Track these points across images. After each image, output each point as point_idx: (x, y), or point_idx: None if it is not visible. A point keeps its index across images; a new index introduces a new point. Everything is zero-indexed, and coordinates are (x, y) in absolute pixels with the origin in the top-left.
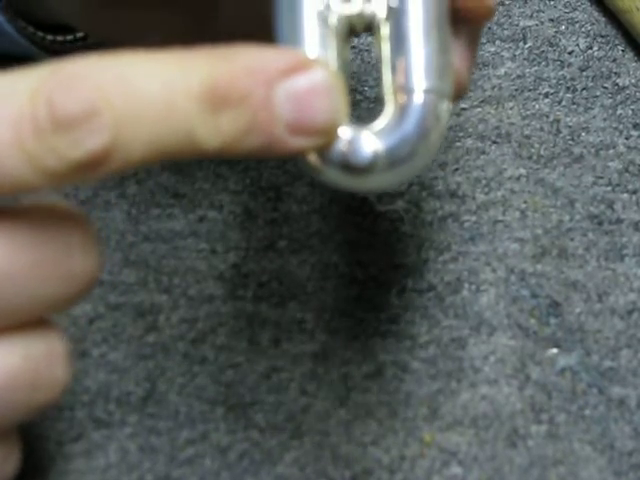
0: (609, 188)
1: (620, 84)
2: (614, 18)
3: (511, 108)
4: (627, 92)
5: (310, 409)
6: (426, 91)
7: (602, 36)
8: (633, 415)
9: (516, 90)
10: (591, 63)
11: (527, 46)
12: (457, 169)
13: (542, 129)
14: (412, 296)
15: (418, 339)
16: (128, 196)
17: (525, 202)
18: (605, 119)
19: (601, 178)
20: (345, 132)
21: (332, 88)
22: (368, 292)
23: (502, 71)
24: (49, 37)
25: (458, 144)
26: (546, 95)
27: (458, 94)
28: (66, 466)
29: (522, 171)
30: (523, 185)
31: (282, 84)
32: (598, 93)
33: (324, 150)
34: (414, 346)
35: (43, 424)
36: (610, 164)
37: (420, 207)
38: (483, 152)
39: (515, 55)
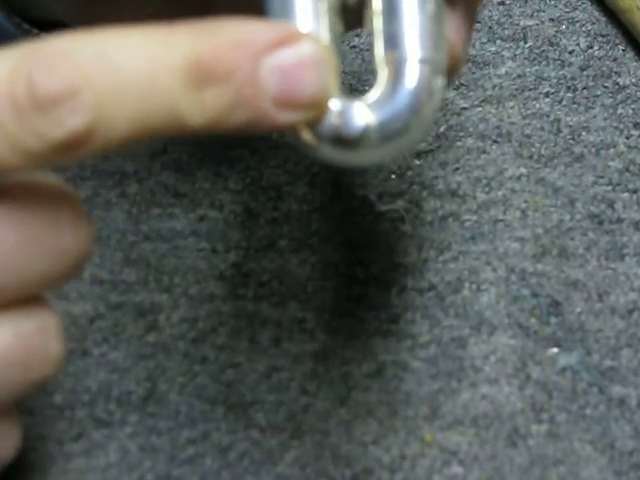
0: (610, 187)
1: (621, 83)
2: (614, 17)
3: (512, 107)
4: (628, 91)
5: (310, 408)
6: (420, 61)
7: (603, 35)
8: (634, 414)
9: (517, 89)
10: (592, 62)
11: (528, 45)
12: (458, 168)
13: (543, 128)
14: (412, 295)
15: (418, 339)
16: (129, 195)
17: (526, 201)
18: (606, 118)
19: (602, 177)
20: (336, 104)
21: (320, 61)
22: (368, 292)
23: (503, 70)
24: (44, 35)
25: (459, 143)
26: (547, 94)
27: (452, 70)
28: (66, 465)
29: (523, 170)
30: (524, 184)
31: (268, 58)
32: (599, 92)
33: (315, 125)
34: (414, 346)
35: (44, 423)
36: (611, 163)
37: (420, 206)
38: (484, 151)
39: (516, 54)
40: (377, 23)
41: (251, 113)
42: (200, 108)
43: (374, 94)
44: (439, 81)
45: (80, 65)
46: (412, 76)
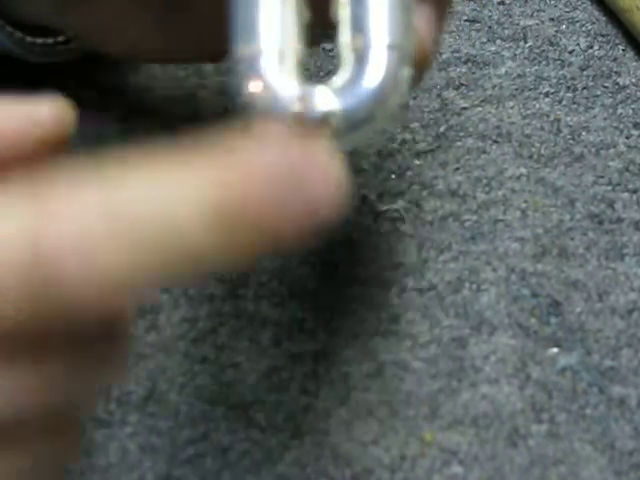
0: (609, 187)
1: (620, 83)
2: (614, 17)
3: (512, 107)
4: (627, 91)
5: (310, 408)
6: (387, 47)
7: (602, 35)
8: (634, 414)
9: (517, 89)
10: (591, 62)
11: (528, 45)
12: (458, 168)
13: (543, 128)
14: (413, 295)
15: (419, 338)
16: None
17: (526, 201)
18: (605, 118)
19: (601, 177)
20: (298, 89)
21: (339, 176)
22: (369, 291)
23: (503, 70)
24: (29, 39)
25: (459, 143)
26: (547, 94)
27: (422, 63)
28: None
29: (523, 170)
30: (524, 184)
31: (294, 194)
32: (599, 92)
33: (278, 110)
34: (415, 345)
35: None
36: (610, 163)
37: (421, 206)
38: (484, 151)
39: (516, 54)
40: (344, 13)
41: (272, 240)
42: (223, 251)
43: (339, 80)
44: (406, 70)
45: (90, 228)
46: (378, 63)
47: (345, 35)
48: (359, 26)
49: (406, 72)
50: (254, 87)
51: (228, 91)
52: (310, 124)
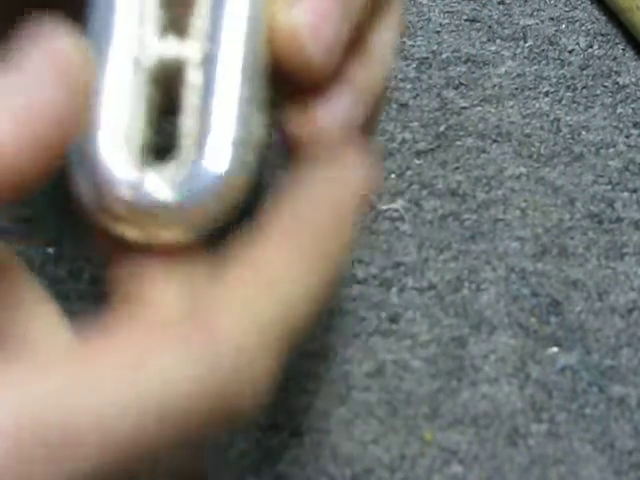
0: (609, 187)
1: (620, 83)
2: (614, 17)
3: (511, 107)
4: (627, 91)
5: (310, 408)
6: (230, 142)
7: (602, 35)
8: (633, 414)
9: (516, 89)
10: (591, 62)
11: (527, 45)
12: (457, 168)
13: (542, 128)
14: (412, 295)
15: (418, 338)
16: None
17: (525, 201)
18: (605, 118)
19: (601, 177)
20: (132, 175)
21: None
22: (368, 291)
23: (502, 70)
24: None
25: (458, 143)
26: (546, 94)
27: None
28: None
29: (522, 170)
30: (523, 184)
31: None
32: (598, 92)
33: (106, 199)
34: (414, 345)
35: None
36: (610, 163)
37: (420, 206)
38: (483, 151)
39: (515, 54)
40: (192, 98)
41: None
42: None
43: (177, 168)
44: (249, 163)
45: None
46: (219, 155)
47: (189, 122)
48: (203, 115)
49: (250, 163)
50: (87, 173)
51: (67, 172)
52: (143, 213)
